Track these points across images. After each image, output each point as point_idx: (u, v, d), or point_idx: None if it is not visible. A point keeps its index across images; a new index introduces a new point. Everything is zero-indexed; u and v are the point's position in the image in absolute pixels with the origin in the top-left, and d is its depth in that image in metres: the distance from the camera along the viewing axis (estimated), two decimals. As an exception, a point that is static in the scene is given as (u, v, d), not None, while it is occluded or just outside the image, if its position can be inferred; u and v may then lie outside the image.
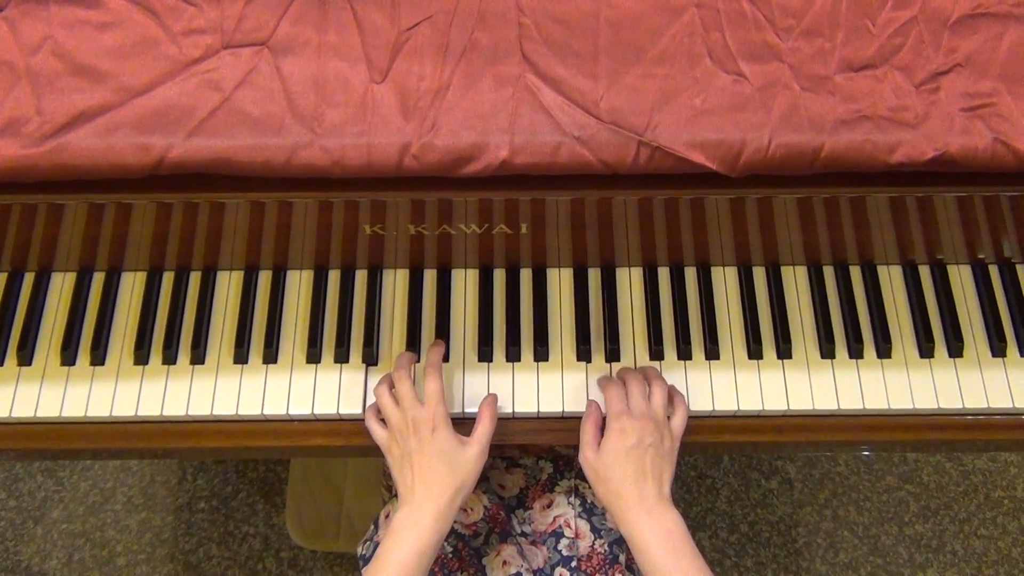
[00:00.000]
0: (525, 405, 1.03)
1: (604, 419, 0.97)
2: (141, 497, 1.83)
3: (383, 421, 0.97)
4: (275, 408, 1.02)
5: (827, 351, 1.05)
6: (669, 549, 0.87)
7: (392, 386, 0.97)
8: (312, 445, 1.04)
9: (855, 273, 1.10)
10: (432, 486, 0.90)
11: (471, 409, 1.02)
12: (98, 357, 1.04)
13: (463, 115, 0.87)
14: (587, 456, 0.94)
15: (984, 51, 0.90)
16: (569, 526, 1.08)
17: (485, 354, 1.05)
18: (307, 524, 1.66)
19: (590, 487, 1.12)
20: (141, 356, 1.04)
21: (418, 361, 1.04)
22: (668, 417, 0.97)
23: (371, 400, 1.02)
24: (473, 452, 0.94)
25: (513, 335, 1.05)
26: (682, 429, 0.96)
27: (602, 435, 0.95)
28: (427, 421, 0.92)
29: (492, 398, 0.99)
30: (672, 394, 0.99)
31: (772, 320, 1.07)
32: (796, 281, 1.09)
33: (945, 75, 0.89)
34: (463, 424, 0.96)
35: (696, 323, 1.07)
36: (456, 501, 0.92)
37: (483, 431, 0.96)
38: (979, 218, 1.00)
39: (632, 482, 0.90)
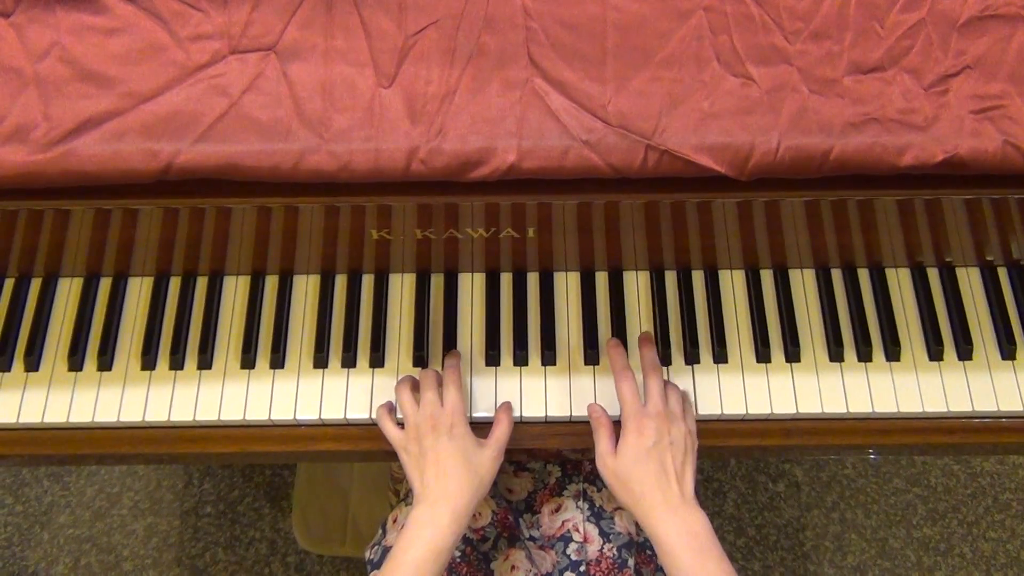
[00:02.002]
0: (533, 409, 1.03)
1: (614, 421, 0.97)
2: (147, 502, 1.83)
3: (396, 422, 0.97)
4: (282, 413, 1.02)
5: (836, 354, 1.05)
6: (695, 551, 0.86)
7: (412, 387, 0.97)
8: (319, 450, 1.03)
9: (863, 276, 1.09)
10: (450, 485, 0.90)
11: (479, 413, 1.02)
12: (105, 362, 1.04)
13: (471, 119, 0.86)
14: (606, 462, 0.93)
15: (993, 53, 0.89)
16: (578, 530, 1.08)
17: (492, 358, 1.05)
18: (313, 528, 1.66)
19: (600, 490, 1.11)
20: (148, 361, 1.04)
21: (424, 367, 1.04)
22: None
23: (379, 404, 1.02)
24: (490, 453, 0.94)
25: (520, 339, 1.05)
26: (694, 427, 0.96)
27: (617, 437, 0.94)
28: (447, 418, 0.93)
29: (508, 404, 1.00)
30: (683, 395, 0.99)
31: (780, 323, 1.06)
32: (804, 284, 1.09)
33: (954, 77, 0.89)
34: (472, 428, 0.96)
35: (704, 326, 1.06)
36: (473, 502, 0.91)
37: (500, 434, 0.96)
38: (988, 220, 1.00)
39: (655, 482, 0.89)
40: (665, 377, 1.02)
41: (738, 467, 1.87)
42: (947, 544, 1.80)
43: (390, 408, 1.00)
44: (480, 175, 0.87)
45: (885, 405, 1.02)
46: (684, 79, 0.88)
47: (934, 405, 1.03)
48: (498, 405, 1.02)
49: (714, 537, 0.88)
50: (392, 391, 1.03)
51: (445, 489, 0.90)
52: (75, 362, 1.04)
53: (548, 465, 1.16)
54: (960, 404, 1.03)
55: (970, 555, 1.79)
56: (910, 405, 1.02)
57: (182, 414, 1.02)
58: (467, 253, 1.05)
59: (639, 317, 1.07)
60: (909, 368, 1.05)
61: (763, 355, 1.05)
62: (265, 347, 1.05)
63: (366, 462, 1.68)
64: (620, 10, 0.90)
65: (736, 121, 0.87)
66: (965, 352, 1.05)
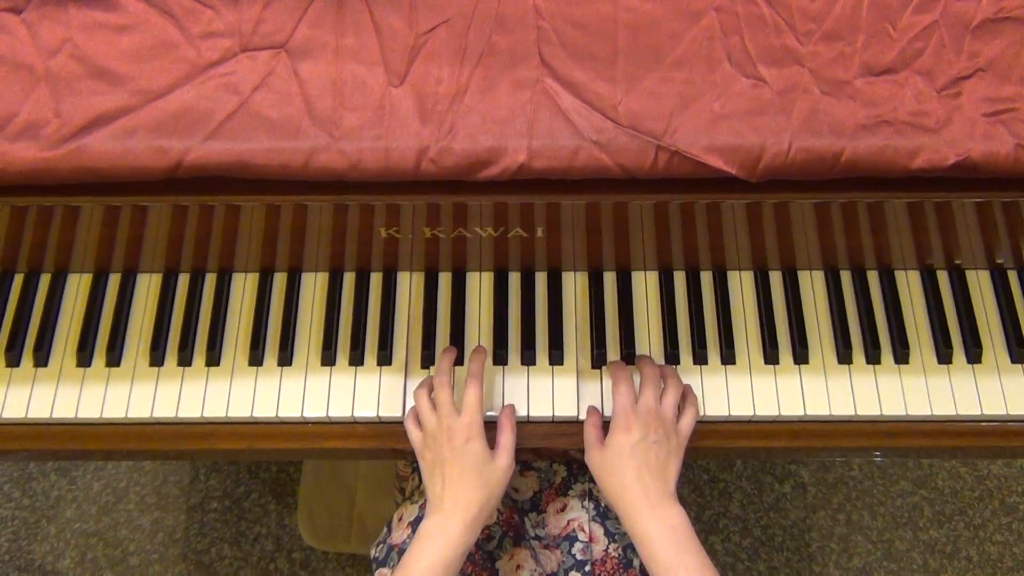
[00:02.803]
0: (540, 409, 1.03)
1: (604, 420, 0.98)
2: (154, 497, 1.83)
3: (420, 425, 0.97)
4: (290, 410, 1.02)
5: (844, 356, 1.04)
6: (673, 544, 0.87)
7: (431, 391, 0.97)
8: (326, 447, 1.04)
9: (873, 278, 1.09)
10: (462, 496, 0.91)
11: (487, 412, 1.02)
12: (114, 358, 1.05)
13: (481, 119, 0.86)
14: (592, 455, 0.94)
15: (1007, 56, 0.89)
16: (583, 530, 1.08)
17: (500, 357, 1.05)
18: (319, 525, 1.67)
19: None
20: (156, 358, 1.05)
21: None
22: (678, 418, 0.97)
23: (386, 402, 1.03)
24: (503, 463, 0.94)
25: (528, 339, 1.05)
26: (690, 430, 0.96)
27: (607, 434, 0.95)
28: (462, 430, 0.92)
29: (510, 408, 1.00)
30: (685, 393, 0.99)
31: (789, 325, 1.06)
32: (813, 285, 1.09)
33: (967, 80, 0.88)
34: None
35: (712, 327, 1.06)
36: (484, 513, 0.92)
37: (508, 442, 0.96)
38: (999, 223, 0.99)
39: (636, 477, 0.90)
40: (674, 371, 1.02)
41: (744, 468, 1.87)
42: (953, 547, 1.79)
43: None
44: (490, 175, 0.87)
45: (893, 407, 1.02)
46: (695, 80, 0.88)
47: (942, 408, 1.02)
48: (502, 408, 1.02)
49: (692, 531, 0.89)
50: (399, 389, 1.03)
51: (457, 501, 0.90)
52: (84, 358, 1.05)
53: (554, 464, 1.16)
54: (969, 407, 1.02)
55: (976, 558, 1.78)
56: (918, 408, 1.02)
57: (190, 410, 1.02)
58: (476, 252, 1.05)
59: (647, 317, 1.07)
60: (918, 371, 1.04)
61: (771, 356, 1.05)
62: (273, 344, 1.06)
63: (372, 460, 1.68)
64: (631, 10, 0.90)
65: (747, 122, 0.86)
66: (974, 355, 1.05)
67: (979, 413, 1.02)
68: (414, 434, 0.97)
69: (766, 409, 1.02)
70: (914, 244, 1.04)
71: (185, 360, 1.05)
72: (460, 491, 0.91)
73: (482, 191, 0.90)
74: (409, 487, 1.21)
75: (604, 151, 0.86)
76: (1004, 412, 1.02)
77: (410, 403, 1.02)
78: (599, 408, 1.01)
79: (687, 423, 0.96)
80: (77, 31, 0.89)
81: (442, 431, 0.93)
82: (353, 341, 1.05)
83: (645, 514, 0.89)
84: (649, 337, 1.06)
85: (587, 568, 1.05)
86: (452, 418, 0.93)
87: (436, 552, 0.89)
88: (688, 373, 1.04)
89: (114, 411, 1.03)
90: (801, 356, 1.04)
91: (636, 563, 1.06)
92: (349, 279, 1.09)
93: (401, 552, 1.06)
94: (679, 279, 1.09)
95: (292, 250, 1.05)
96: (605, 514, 1.10)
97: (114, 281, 1.09)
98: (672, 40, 0.89)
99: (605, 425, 0.97)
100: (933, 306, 1.07)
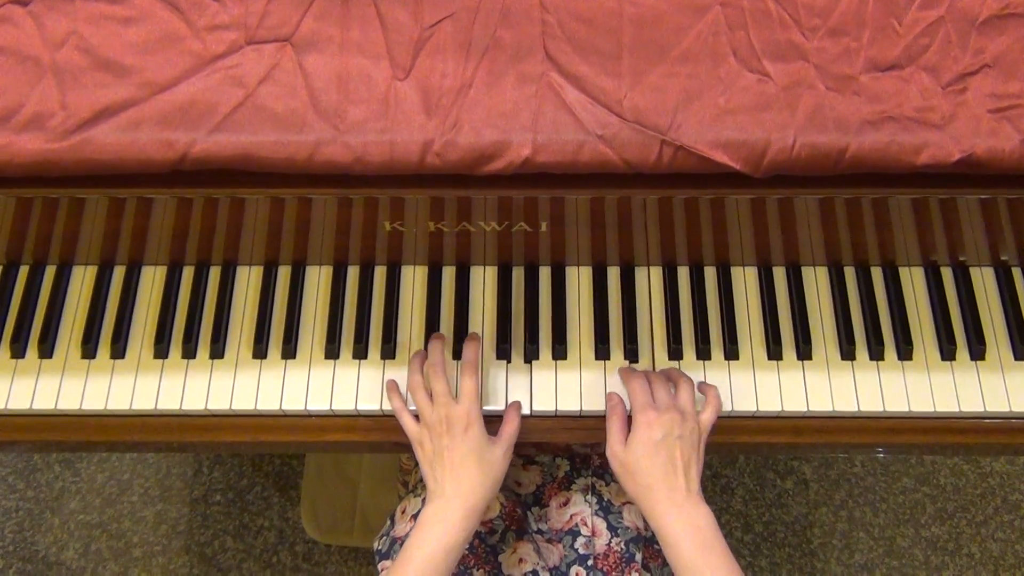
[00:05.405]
0: (543, 403, 1.03)
1: (629, 415, 0.97)
2: (157, 489, 1.84)
3: (415, 415, 0.97)
4: (293, 403, 1.03)
5: (847, 353, 1.04)
6: (699, 545, 0.87)
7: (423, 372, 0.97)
8: (329, 440, 1.04)
9: (876, 274, 1.09)
10: (462, 483, 0.91)
11: (489, 407, 1.02)
12: (118, 350, 1.05)
13: (486, 113, 0.86)
14: (615, 451, 0.94)
15: (1012, 52, 0.89)
16: (586, 524, 1.08)
17: (503, 352, 1.05)
18: (322, 518, 1.67)
19: (609, 484, 1.12)
20: (161, 350, 1.05)
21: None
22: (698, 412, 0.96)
23: (388, 391, 1.03)
24: (500, 451, 0.94)
25: (531, 333, 1.05)
26: (711, 423, 0.96)
27: (629, 430, 0.95)
28: (461, 419, 0.93)
29: (518, 403, 1.01)
30: (705, 389, 0.99)
31: (792, 321, 1.06)
32: (817, 282, 1.08)
33: (972, 76, 0.88)
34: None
35: (716, 323, 1.06)
36: (485, 500, 0.92)
37: (510, 432, 0.96)
38: (1004, 221, 0.99)
39: (661, 476, 0.90)
40: (680, 372, 1.02)
41: (747, 463, 1.87)
42: (955, 544, 1.79)
43: (402, 395, 1.00)
44: (494, 169, 0.87)
45: (896, 404, 1.02)
46: (700, 75, 0.88)
47: (945, 405, 1.02)
48: (508, 399, 1.02)
49: (718, 532, 0.88)
50: (403, 383, 1.03)
51: (458, 488, 0.91)
52: (88, 350, 1.05)
53: (557, 459, 1.16)
54: (972, 404, 1.02)
55: (978, 555, 1.78)
56: (921, 404, 1.02)
57: (194, 403, 1.03)
58: (480, 246, 1.05)
59: (651, 313, 1.07)
60: (921, 367, 1.04)
61: (775, 352, 1.05)
62: (277, 337, 1.06)
63: (375, 453, 1.68)
64: (636, 4, 0.90)
65: (752, 117, 0.86)
66: (978, 352, 1.05)
67: (982, 410, 1.02)
68: (410, 426, 0.97)
69: (769, 405, 1.02)
70: (918, 241, 1.04)
71: (189, 352, 1.05)
72: (461, 478, 0.91)
73: (486, 185, 0.90)
74: (412, 480, 1.21)
75: (609, 146, 0.86)
76: (1007, 409, 1.02)
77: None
78: (619, 396, 1.00)
79: (708, 417, 0.96)
80: (83, 23, 0.89)
81: (441, 420, 0.93)
82: (357, 335, 1.05)
83: (672, 514, 0.89)
84: (652, 332, 1.06)
85: (589, 562, 1.05)
86: (450, 407, 0.93)
87: (437, 539, 0.89)
88: (691, 368, 1.04)
89: (118, 403, 1.03)
90: (804, 352, 1.05)
91: (638, 557, 1.06)
92: (353, 273, 1.09)
93: (404, 545, 1.06)
94: (683, 274, 1.09)
95: (296, 243, 1.05)
96: (608, 508, 1.10)
97: (119, 273, 1.09)
98: (677, 35, 0.89)
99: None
100: (937, 303, 1.07)
